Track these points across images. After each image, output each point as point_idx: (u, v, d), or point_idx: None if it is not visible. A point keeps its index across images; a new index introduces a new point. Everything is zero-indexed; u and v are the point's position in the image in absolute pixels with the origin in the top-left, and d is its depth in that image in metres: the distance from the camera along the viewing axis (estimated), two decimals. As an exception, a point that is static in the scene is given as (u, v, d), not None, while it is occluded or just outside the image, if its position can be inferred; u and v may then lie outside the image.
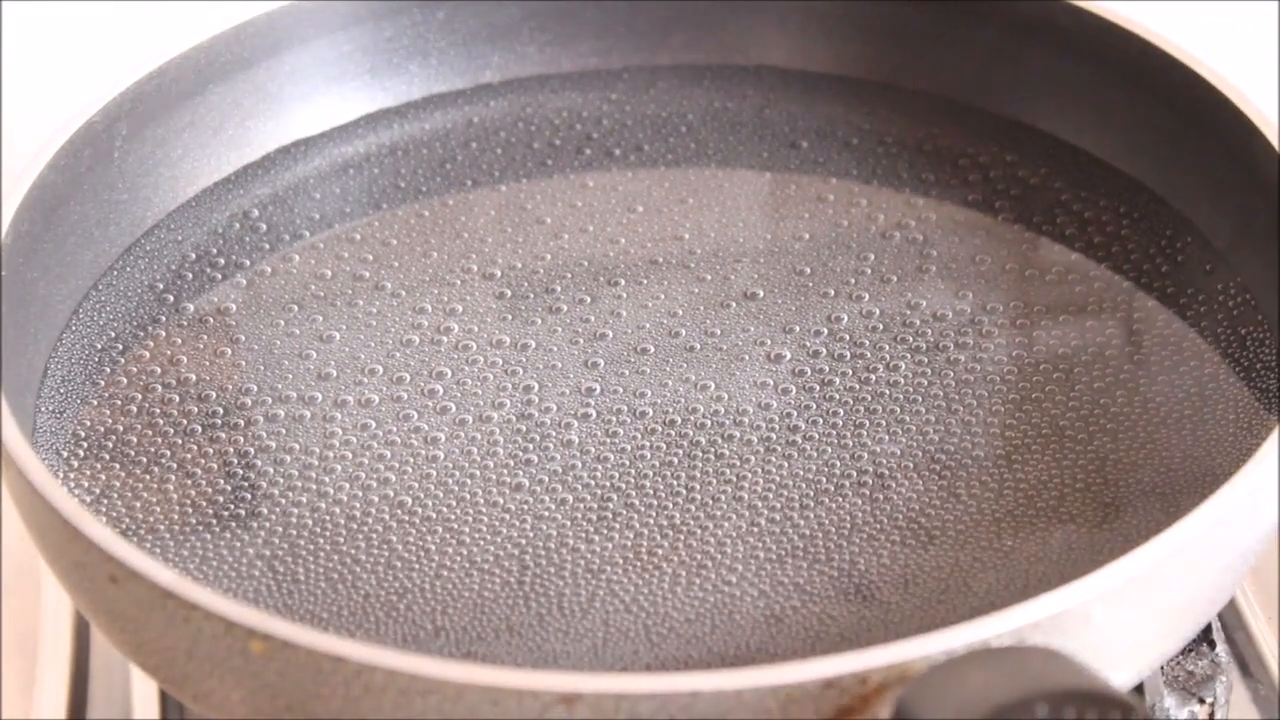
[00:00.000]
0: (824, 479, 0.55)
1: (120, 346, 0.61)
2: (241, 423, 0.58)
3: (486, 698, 0.44)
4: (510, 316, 0.62)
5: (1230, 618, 0.63)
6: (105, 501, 0.55)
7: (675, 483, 0.56)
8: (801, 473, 0.56)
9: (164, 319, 0.62)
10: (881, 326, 0.61)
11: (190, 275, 0.64)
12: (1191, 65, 0.63)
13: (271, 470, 0.56)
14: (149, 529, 0.55)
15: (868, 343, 0.60)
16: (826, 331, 0.60)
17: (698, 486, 0.55)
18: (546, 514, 0.55)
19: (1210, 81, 0.62)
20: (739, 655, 0.50)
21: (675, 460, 0.56)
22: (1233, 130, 0.61)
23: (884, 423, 0.57)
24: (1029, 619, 0.45)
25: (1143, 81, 0.65)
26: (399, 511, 0.55)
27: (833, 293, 0.62)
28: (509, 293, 0.63)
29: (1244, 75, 0.64)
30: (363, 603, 0.52)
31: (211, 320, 0.62)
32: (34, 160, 0.60)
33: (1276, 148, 0.59)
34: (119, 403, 0.59)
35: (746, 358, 0.60)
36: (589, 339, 0.61)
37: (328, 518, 0.55)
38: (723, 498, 0.55)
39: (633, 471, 0.56)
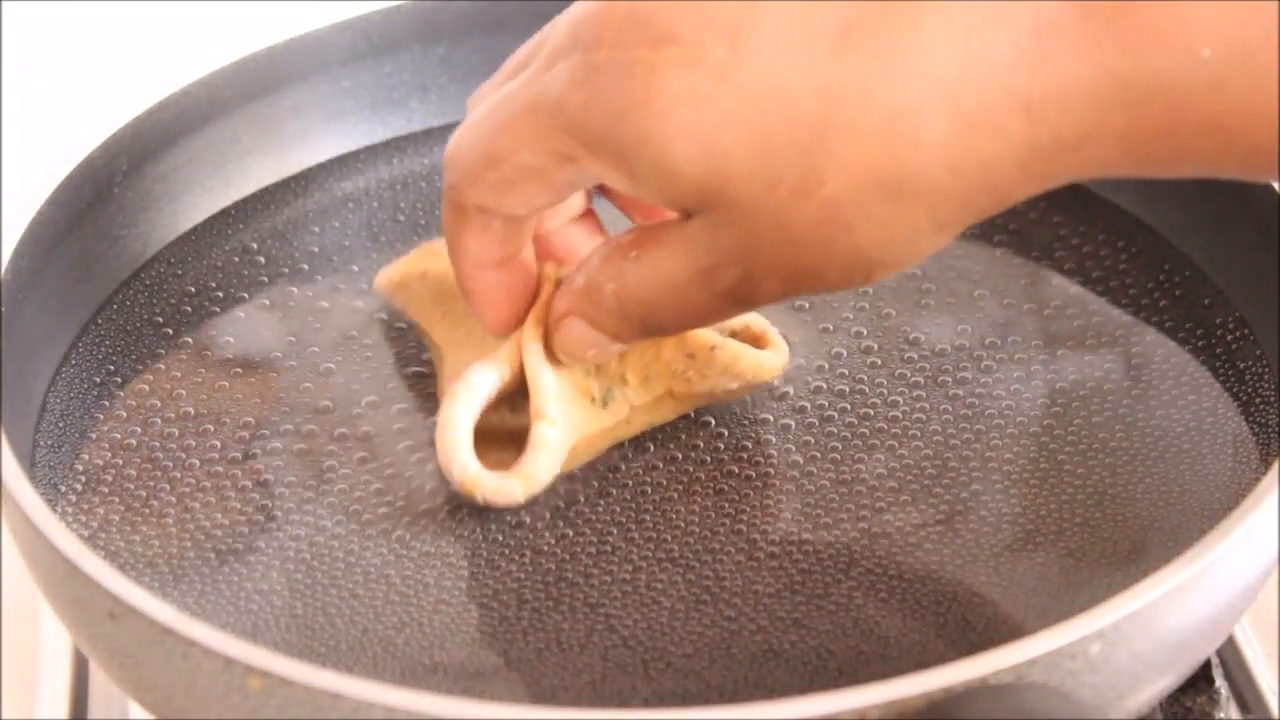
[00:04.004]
0: (822, 513, 0.55)
1: (119, 380, 0.61)
2: (240, 456, 0.58)
3: (484, 734, 0.44)
4: (509, 351, 0.61)
5: (1229, 654, 0.63)
6: (103, 536, 0.55)
7: (674, 517, 0.55)
8: (800, 507, 0.55)
9: (163, 352, 0.62)
10: (880, 361, 0.61)
11: (190, 309, 0.64)
12: (1189, 100, 0.63)
13: (270, 504, 0.56)
14: (147, 564, 0.54)
15: (866, 377, 0.60)
16: (826, 366, 0.60)
17: (697, 521, 0.55)
18: (545, 548, 0.55)
19: (1208, 117, 0.62)
20: (737, 691, 0.50)
21: (675, 495, 0.56)
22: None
23: (883, 457, 0.57)
24: (1027, 656, 0.45)
25: (1141, 116, 0.65)
26: (397, 546, 0.55)
27: (832, 327, 0.62)
28: (508, 327, 0.62)
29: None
30: (360, 638, 0.52)
31: (210, 353, 0.62)
32: (34, 195, 0.60)
33: (1274, 184, 0.59)
34: (118, 437, 0.58)
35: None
36: (588, 373, 0.60)
37: (325, 552, 0.55)
38: (721, 532, 0.55)
39: (632, 506, 0.56)
